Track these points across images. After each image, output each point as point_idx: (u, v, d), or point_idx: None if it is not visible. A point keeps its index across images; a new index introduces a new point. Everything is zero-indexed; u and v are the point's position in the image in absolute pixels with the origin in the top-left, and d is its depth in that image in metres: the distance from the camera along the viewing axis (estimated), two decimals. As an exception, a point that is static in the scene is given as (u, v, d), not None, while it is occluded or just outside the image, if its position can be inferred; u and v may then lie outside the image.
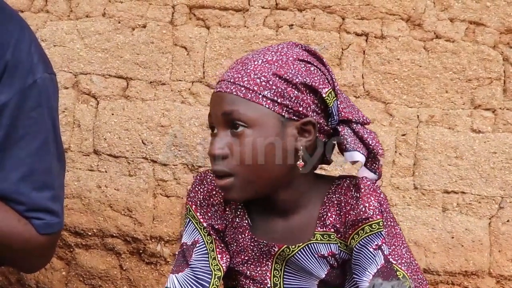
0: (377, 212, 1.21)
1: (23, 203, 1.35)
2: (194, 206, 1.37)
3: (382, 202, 1.24)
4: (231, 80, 1.22)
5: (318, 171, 1.38)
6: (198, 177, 1.39)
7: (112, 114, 2.13)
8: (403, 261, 1.23)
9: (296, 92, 1.22)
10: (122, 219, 2.13)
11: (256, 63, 1.23)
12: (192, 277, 1.32)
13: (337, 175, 1.38)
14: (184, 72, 2.12)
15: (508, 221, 2.03)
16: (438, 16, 2.06)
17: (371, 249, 1.21)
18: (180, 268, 1.34)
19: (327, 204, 1.28)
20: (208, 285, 1.31)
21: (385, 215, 1.24)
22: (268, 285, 1.31)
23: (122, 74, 2.14)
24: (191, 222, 1.37)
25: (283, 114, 1.22)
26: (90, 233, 2.14)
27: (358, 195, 1.23)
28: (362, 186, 1.24)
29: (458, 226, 2.04)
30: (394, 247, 1.23)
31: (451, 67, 2.05)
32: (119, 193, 2.13)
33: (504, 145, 2.04)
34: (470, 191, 2.04)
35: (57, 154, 1.43)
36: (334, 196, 1.28)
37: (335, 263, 1.28)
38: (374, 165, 1.30)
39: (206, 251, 1.34)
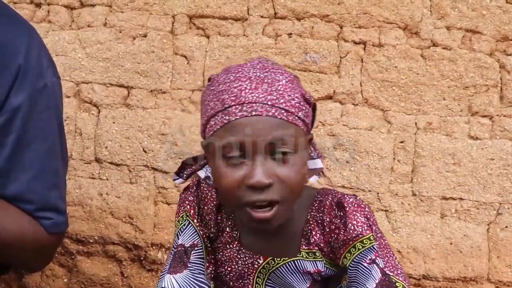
0: (366, 228, 1.20)
1: (34, 202, 1.37)
2: (192, 211, 1.34)
3: (369, 216, 1.22)
4: (269, 103, 1.12)
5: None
6: (193, 184, 1.37)
7: (113, 123, 2.15)
8: (399, 272, 1.21)
9: (309, 109, 1.20)
10: (123, 227, 2.14)
11: (280, 83, 1.15)
12: (192, 278, 1.29)
13: (316, 188, 1.35)
14: (184, 80, 2.13)
15: (506, 227, 2.04)
16: (435, 24, 2.07)
17: (366, 264, 1.20)
18: (178, 269, 1.30)
19: (311, 222, 1.26)
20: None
21: (374, 228, 1.22)
22: None
23: (123, 83, 2.16)
24: (190, 225, 1.34)
25: (307, 133, 1.21)
26: (91, 241, 2.15)
27: (343, 214, 1.22)
28: (346, 205, 1.22)
29: (457, 232, 2.05)
30: (387, 258, 1.22)
31: (448, 75, 2.06)
32: (120, 201, 2.14)
33: (501, 151, 2.05)
34: (468, 198, 2.05)
35: (62, 156, 1.46)
36: (317, 215, 1.26)
37: (319, 278, 1.28)
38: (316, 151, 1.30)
39: (203, 256, 1.32)
